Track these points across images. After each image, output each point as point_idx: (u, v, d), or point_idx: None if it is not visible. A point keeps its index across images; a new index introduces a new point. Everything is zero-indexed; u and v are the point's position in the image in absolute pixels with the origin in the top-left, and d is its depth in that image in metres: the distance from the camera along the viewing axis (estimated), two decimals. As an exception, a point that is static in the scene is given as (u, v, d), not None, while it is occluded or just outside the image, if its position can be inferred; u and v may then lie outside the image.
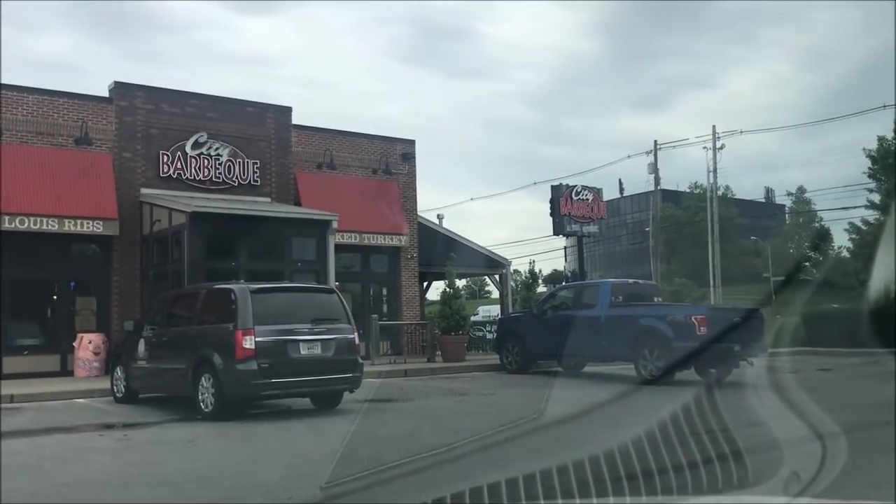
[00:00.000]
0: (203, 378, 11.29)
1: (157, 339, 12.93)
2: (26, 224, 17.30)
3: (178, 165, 19.94)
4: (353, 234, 21.66)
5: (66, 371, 18.04)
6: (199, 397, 11.30)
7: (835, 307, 22.42)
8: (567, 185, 30.77)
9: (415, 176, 24.81)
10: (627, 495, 2.83)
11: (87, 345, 17.69)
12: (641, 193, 77.03)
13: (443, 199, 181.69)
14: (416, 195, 24.73)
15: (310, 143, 22.64)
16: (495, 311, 36.82)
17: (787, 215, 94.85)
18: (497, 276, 27.80)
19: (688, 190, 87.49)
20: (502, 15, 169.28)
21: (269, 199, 21.18)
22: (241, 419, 11.06)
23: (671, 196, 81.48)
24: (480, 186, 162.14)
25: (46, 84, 24.09)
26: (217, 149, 20.53)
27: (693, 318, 14.78)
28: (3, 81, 18.48)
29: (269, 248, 19.97)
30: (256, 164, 21.09)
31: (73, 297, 19.43)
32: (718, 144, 43.27)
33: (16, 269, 18.12)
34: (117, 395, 13.74)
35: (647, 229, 52.69)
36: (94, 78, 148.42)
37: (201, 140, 20.32)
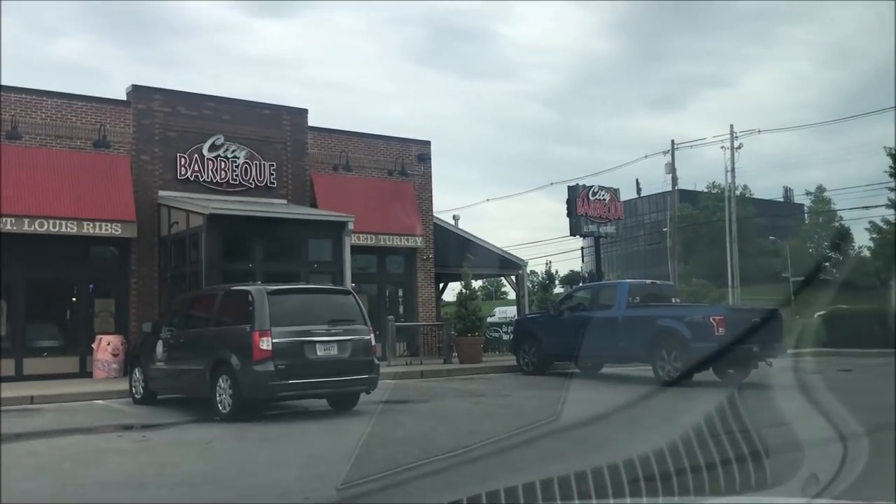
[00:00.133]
0: (220, 379, 11.34)
1: (175, 340, 12.99)
2: (45, 227, 17.44)
3: (196, 168, 20.04)
4: (368, 236, 21.69)
5: (85, 372, 18.16)
6: (217, 398, 11.34)
7: (855, 307, 22.23)
8: (584, 185, 30.72)
9: (430, 177, 24.81)
10: (644, 496, 2.80)
11: (106, 346, 17.80)
12: (659, 193, 76.79)
13: (458, 200, 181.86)
14: (431, 196, 24.73)
15: (325, 145, 22.69)
16: (512, 312, 36.72)
17: (806, 215, 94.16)
18: (513, 277, 27.75)
19: (705, 190, 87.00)
20: (517, 15, 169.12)
21: (285, 201, 21.24)
22: (258, 420, 11.09)
23: (689, 196, 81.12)
24: (496, 187, 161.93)
25: (65, 88, 24.25)
26: (234, 151, 20.62)
27: (711, 319, 14.68)
28: (22, 85, 18.64)
29: (285, 249, 20.03)
30: (273, 165, 21.17)
31: (92, 298, 19.55)
32: (736, 144, 43.01)
33: (35, 272, 18.30)
34: (136, 396, 13.82)
35: (665, 229, 52.46)
36: (112, 81, 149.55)
37: (218, 142, 20.41)
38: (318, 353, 11.33)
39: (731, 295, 43.61)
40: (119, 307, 19.39)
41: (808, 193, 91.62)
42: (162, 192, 19.55)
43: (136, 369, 13.92)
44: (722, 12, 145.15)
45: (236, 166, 20.60)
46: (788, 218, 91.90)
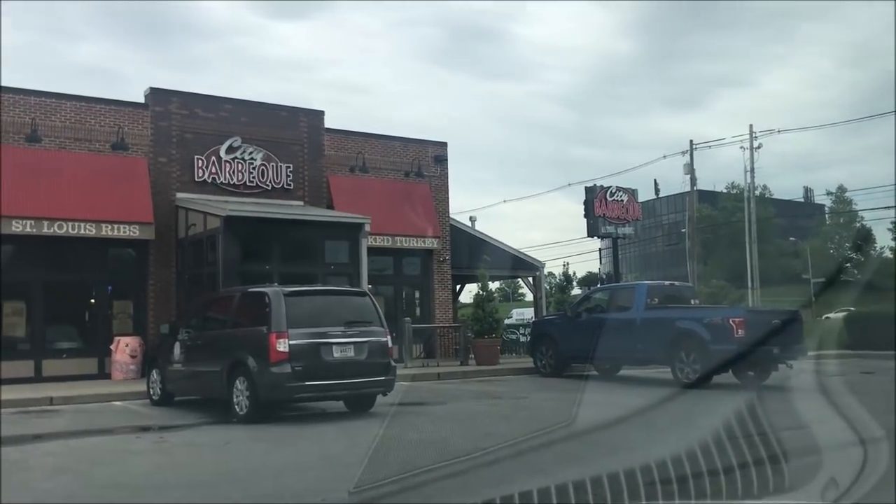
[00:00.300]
0: (237, 381, 11.36)
1: (193, 342, 13.04)
2: (64, 229, 17.56)
3: (213, 170, 20.13)
4: (385, 237, 21.69)
5: (103, 374, 18.28)
6: (234, 400, 11.37)
7: (878, 309, 21.99)
8: (601, 186, 30.62)
9: (447, 178, 24.80)
10: (660, 498, 2.76)
11: (124, 348, 17.90)
12: (677, 194, 76.27)
13: (475, 201, 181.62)
14: (448, 197, 24.71)
15: (342, 147, 22.72)
16: (529, 313, 36.64)
17: (826, 215, 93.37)
18: (531, 279, 27.66)
19: (724, 190, 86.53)
20: (534, 16, 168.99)
21: (302, 203, 21.29)
22: (274, 422, 11.11)
23: (707, 196, 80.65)
24: (513, 188, 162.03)
25: (84, 91, 24.45)
26: (251, 153, 20.69)
27: (731, 321, 14.55)
28: (41, 89, 18.81)
29: (302, 251, 20.06)
30: (289, 167, 21.22)
31: (111, 300, 19.67)
32: (756, 144, 42.74)
33: (54, 274, 18.44)
34: (153, 397, 13.88)
35: (684, 230, 52.15)
36: (130, 84, 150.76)
37: (235, 144, 20.49)
38: (335, 355, 11.33)
39: (751, 296, 43.33)
40: (137, 309, 19.50)
41: (828, 193, 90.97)
42: (179, 195, 19.65)
43: (154, 371, 13.99)
44: (742, 11, 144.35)
45: (253, 168, 20.67)
46: (809, 218, 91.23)
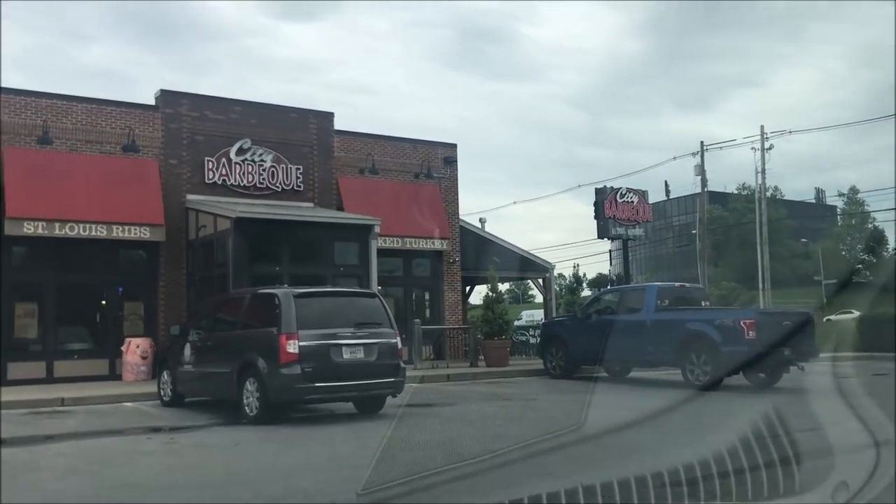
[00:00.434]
0: (247, 382, 11.37)
1: (203, 343, 13.07)
2: (76, 231, 17.64)
3: (223, 171, 20.18)
4: (395, 239, 21.69)
5: (114, 375, 18.35)
6: (244, 401, 11.38)
7: (890, 310, 21.84)
8: (611, 187, 30.56)
9: (457, 180, 24.80)
10: (670, 500, 2.74)
11: (135, 349, 17.96)
12: (688, 195, 76.08)
13: (485, 202, 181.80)
14: (457, 199, 24.71)
15: (352, 148, 22.75)
16: (539, 315, 36.60)
17: (838, 216, 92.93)
18: (540, 280, 27.62)
19: (735, 191, 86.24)
20: (544, 16, 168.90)
21: (311, 204, 21.32)
22: (284, 423, 11.12)
23: (718, 198, 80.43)
24: (523, 189, 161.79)
25: (95, 93, 24.56)
26: (261, 155, 20.74)
27: (742, 323, 14.48)
28: (52, 91, 18.93)
29: (312, 252, 20.09)
30: (299, 169, 21.26)
31: (122, 302, 19.74)
32: (767, 145, 42.59)
33: (66, 275, 18.53)
34: (164, 398, 13.92)
35: (694, 232, 51.98)
36: (141, 86, 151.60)
37: (245, 146, 20.54)
38: (345, 357, 11.33)
39: (762, 298, 43.14)
40: (148, 310, 19.57)
41: (840, 195, 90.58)
42: (190, 196, 19.71)
43: (165, 372, 14.03)
44: (752, 11, 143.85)
45: (263, 170, 20.72)
46: (821, 220, 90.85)
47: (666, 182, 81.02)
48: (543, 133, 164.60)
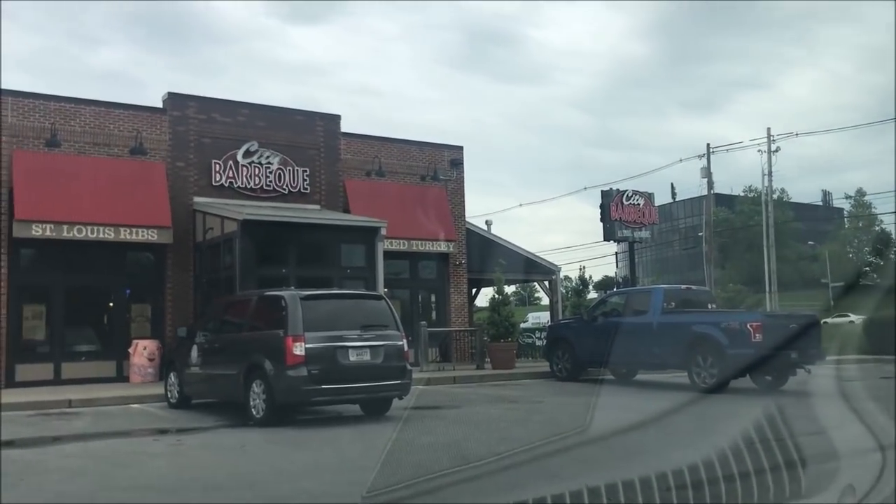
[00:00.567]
0: (254, 384, 11.40)
1: (210, 345, 13.10)
2: (84, 233, 17.70)
3: (230, 174, 20.24)
4: (401, 241, 21.72)
5: (121, 377, 18.41)
6: (251, 403, 11.40)
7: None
8: (618, 189, 30.53)
9: (463, 182, 24.81)
10: (675, 501, 2.74)
11: (142, 351, 18.01)
12: (694, 198, 76.04)
13: (491, 204, 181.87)
14: (464, 201, 24.71)
15: (358, 151, 22.78)
16: (545, 317, 36.57)
17: (845, 219, 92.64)
18: (547, 283, 27.62)
19: (742, 194, 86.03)
20: (551, 19, 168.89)
21: (318, 207, 21.36)
22: (291, 425, 11.14)
23: (725, 200, 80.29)
24: (529, 192, 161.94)
25: (103, 96, 24.66)
26: (267, 157, 20.79)
27: (748, 325, 14.45)
28: (61, 94, 19.01)
29: (318, 254, 20.13)
30: (306, 171, 21.30)
31: (129, 304, 19.79)
32: (773, 147, 42.49)
33: (74, 277, 18.61)
34: (171, 400, 13.96)
35: (701, 234, 51.93)
36: (148, 89, 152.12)
37: (252, 149, 20.59)
38: (351, 359, 11.35)
39: (769, 301, 43.02)
40: (155, 312, 19.62)
41: (847, 197, 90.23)
42: (197, 199, 19.77)
43: (172, 374, 14.07)
44: (760, 13, 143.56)
45: (270, 172, 20.77)
46: (827, 222, 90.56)
47: (672, 184, 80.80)
48: (550, 135, 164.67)
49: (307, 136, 21.62)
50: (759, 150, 43.10)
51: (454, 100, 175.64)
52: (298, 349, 11.00)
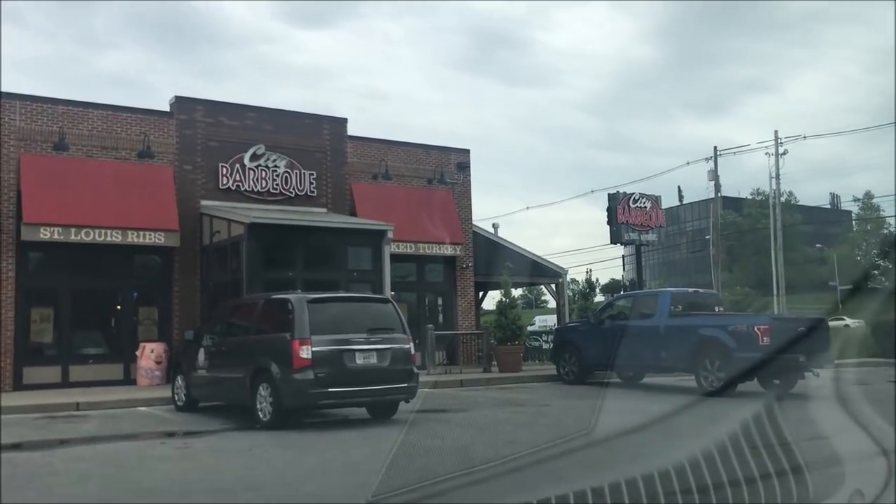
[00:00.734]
0: (261, 387, 11.41)
1: (217, 348, 13.12)
2: (91, 236, 17.77)
3: (237, 177, 20.29)
4: (408, 244, 21.73)
5: (129, 380, 18.47)
6: (257, 406, 11.42)
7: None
8: (624, 192, 30.50)
9: (470, 185, 24.82)
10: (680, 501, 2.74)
11: (150, 354, 18.07)
12: (701, 201, 75.85)
13: (498, 207, 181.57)
14: (470, 204, 24.72)
15: (365, 154, 22.82)
16: (552, 320, 36.53)
17: (853, 222, 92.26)
18: (553, 286, 27.58)
19: (749, 196, 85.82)
20: (558, 22, 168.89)
21: (325, 210, 21.39)
22: (297, 428, 11.15)
23: (732, 203, 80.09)
24: (536, 194, 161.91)
25: (110, 99, 24.75)
26: (274, 160, 20.84)
27: (756, 328, 14.42)
28: (69, 97, 19.11)
29: (325, 257, 20.16)
30: (313, 175, 21.34)
31: (136, 307, 19.87)
32: (781, 150, 42.36)
33: (81, 280, 18.68)
34: (178, 403, 13.98)
35: (708, 237, 51.80)
36: (156, 93, 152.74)
37: (259, 152, 20.65)
38: (358, 362, 11.36)
39: (776, 304, 42.88)
40: (162, 315, 19.68)
41: (855, 200, 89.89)
42: (204, 202, 19.82)
43: (179, 377, 14.09)
44: (767, 16, 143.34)
45: (277, 176, 20.81)
46: (835, 225, 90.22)
47: (679, 187, 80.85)
48: (556, 138, 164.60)
49: (314, 139, 21.66)
50: (766, 153, 43.02)
51: (461, 103, 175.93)
52: (305, 352, 11.01)
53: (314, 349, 11.03)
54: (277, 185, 20.81)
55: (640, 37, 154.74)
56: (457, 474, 3.49)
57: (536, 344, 25.75)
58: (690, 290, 20.49)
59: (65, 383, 17.80)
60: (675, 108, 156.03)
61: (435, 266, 23.85)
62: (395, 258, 20.45)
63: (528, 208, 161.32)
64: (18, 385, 17.37)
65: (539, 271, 26.62)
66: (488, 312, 30.75)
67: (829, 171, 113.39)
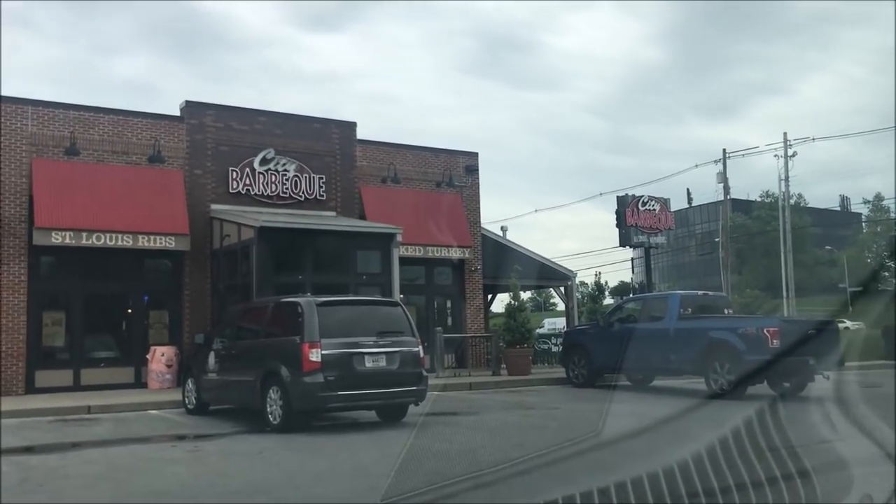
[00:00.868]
0: (271, 390, 11.46)
1: (227, 351, 13.18)
2: (102, 240, 17.86)
3: (247, 181, 20.37)
4: (416, 247, 21.76)
5: (139, 383, 18.54)
6: (268, 409, 11.47)
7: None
8: (633, 195, 30.45)
9: (478, 188, 24.84)
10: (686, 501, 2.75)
11: (160, 357, 18.14)
12: (710, 203, 75.65)
13: (507, 210, 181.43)
14: (479, 207, 24.74)
15: (374, 158, 22.87)
16: (561, 323, 36.50)
17: (863, 224, 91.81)
18: (562, 289, 27.57)
19: (759, 199, 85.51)
20: (567, 26, 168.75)
21: (334, 213, 21.44)
22: (307, 431, 11.19)
23: (741, 205, 79.80)
24: (545, 197, 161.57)
25: (121, 104, 24.90)
26: (284, 164, 20.91)
27: (765, 331, 14.39)
28: (80, 103, 19.22)
29: (334, 261, 20.19)
30: (322, 178, 21.40)
31: (147, 310, 19.95)
32: (790, 152, 42.21)
33: (93, 284, 18.78)
34: (189, 406, 14.05)
35: (717, 240, 51.65)
36: (166, 98, 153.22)
37: (269, 156, 20.72)
38: (367, 365, 11.39)
39: (786, 306, 42.73)
40: (173, 319, 19.76)
41: (865, 202, 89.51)
42: (214, 206, 19.90)
43: (189, 380, 14.16)
44: (775, 18, 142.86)
45: (286, 179, 20.88)
46: (845, 227, 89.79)
47: (688, 190, 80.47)
48: (565, 141, 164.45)
49: (323, 143, 21.73)
50: (775, 155, 42.86)
51: (469, 106, 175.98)
52: (315, 355, 11.05)
53: (324, 352, 11.08)
54: (287, 188, 20.88)
55: (647, 39, 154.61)
56: (466, 477, 3.51)
57: (545, 347, 25.74)
58: (700, 292, 20.45)
59: (76, 387, 17.89)
60: (683, 110, 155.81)
61: (444, 269, 23.88)
62: (404, 261, 20.49)
63: (536, 211, 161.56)
64: (31, 388, 17.48)
65: (548, 274, 26.63)
66: (497, 315, 30.76)
67: (838, 172, 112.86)
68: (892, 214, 78.39)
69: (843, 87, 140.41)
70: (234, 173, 20.23)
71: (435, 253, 22.60)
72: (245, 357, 12.66)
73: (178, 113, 20.34)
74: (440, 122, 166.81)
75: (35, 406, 14.36)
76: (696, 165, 76.44)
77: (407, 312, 12.68)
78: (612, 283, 69.06)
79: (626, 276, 74.51)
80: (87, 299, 18.81)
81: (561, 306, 33.29)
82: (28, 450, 10.13)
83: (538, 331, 31.10)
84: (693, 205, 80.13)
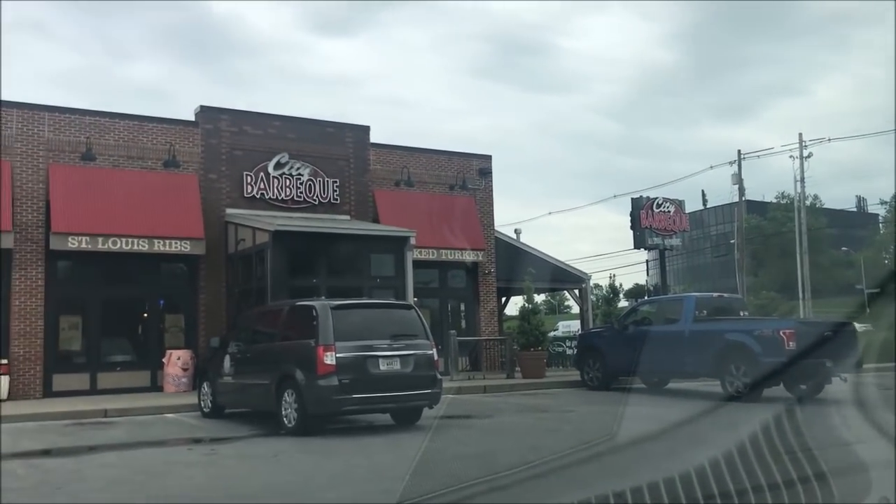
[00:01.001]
0: (286, 393, 11.50)
1: (242, 355, 13.24)
2: (118, 245, 17.98)
3: (261, 186, 20.45)
4: (430, 251, 21.77)
5: (155, 386, 18.64)
6: (283, 412, 11.50)
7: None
8: (648, 197, 30.43)
9: (492, 191, 24.83)
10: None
11: (176, 361, 18.23)
12: (725, 205, 75.36)
13: (520, 213, 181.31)
14: (492, 210, 24.73)
15: (387, 161, 22.91)
16: (575, 326, 36.42)
17: (881, 224, 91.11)
18: (577, 291, 27.51)
19: (774, 200, 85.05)
20: (580, 28, 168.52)
21: (348, 217, 21.49)
22: (322, 434, 11.21)
23: (757, 207, 79.40)
24: (558, 200, 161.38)
25: (136, 110, 25.05)
26: (298, 169, 20.98)
27: (781, 333, 14.30)
28: (95, 108, 19.37)
29: (348, 264, 20.24)
30: (336, 182, 21.46)
31: (163, 314, 20.05)
32: (806, 153, 41.96)
33: (109, 289, 18.91)
34: (204, 409, 14.10)
35: (732, 241, 51.41)
36: (181, 103, 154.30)
37: (283, 160, 20.80)
38: (381, 368, 11.41)
39: (802, 308, 42.45)
40: (188, 322, 19.85)
41: (882, 202, 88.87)
42: (229, 210, 19.99)
43: (205, 383, 14.21)
44: (790, 19, 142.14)
45: (300, 183, 20.95)
46: (862, 228, 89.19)
47: (703, 191, 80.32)
48: (579, 143, 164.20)
49: (337, 147, 21.78)
50: (790, 156, 42.62)
51: (482, 109, 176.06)
52: (329, 359, 11.08)
53: (338, 355, 11.10)
54: (301, 192, 20.95)
55: (660, 41, 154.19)
56: (481, 480, 3.51)
57: (560, 349, 25.68)
58: (715, 294, 20.37)
59: (93, 390, 18.00)
60: (697, 111, 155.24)
61: (457, 272, 23.87)
62: (418, 264, 20.50)
63: (550, 213, 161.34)
64: (48, 392, 17.61)
65: (562, 277, 26.57)
66: (511, 318, 30.74)
67: (854, 173, 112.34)
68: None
69: (859, 88, 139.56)
70: (249, 177, 20.32)
71: (449, 256, 22.61)
72: (260, 360, 12.71)
73: (192, 118, 20.44)
74: (453, 125, 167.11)
75: (52, 409, 14.47)
76: (711, 167, 76.14)
77: (421, 315, 12.69)
78: (627, 286, 68.99)
79: (641, 279, 74.37)
80: (104, 303, 18.93)
81: (575, 309, 33.20)
82: (46, 453, 10.21)
83: (552, 333, 31.05)
84: (708, 206, 79.91)
